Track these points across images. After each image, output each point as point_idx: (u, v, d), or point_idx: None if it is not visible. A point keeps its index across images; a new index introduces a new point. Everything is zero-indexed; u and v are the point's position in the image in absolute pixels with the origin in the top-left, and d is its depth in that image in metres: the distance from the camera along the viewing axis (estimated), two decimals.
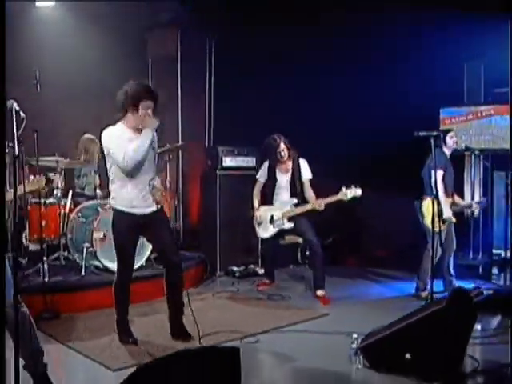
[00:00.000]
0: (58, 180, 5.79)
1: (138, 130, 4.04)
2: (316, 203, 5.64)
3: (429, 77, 6.88)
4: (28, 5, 6.91)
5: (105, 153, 4.09)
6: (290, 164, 5.93)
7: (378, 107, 6.94)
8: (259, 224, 6.02)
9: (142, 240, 5.80)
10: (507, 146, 7.09)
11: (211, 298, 5.83)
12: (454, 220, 5.71)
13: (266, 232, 5.97)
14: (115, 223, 4.20)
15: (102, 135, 4.06)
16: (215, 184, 6.99)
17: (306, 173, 5.91)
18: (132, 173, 4.01)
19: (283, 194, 5.94)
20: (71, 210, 6.01)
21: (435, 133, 4.66)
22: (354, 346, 3.77)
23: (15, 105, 2.93)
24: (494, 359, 3.95)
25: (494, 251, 7.24)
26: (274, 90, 7.31)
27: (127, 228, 4.12)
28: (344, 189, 5.44)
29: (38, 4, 6.97)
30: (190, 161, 7.88)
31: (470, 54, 7.27)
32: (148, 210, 4.14)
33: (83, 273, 5.57)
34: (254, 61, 7.34)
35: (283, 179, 5.97)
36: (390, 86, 6.89)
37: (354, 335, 3.80)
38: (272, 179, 6.01)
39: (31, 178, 3.58)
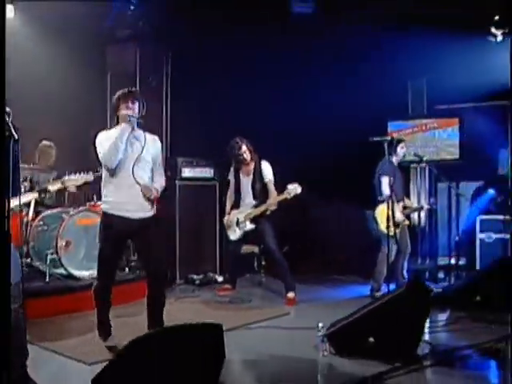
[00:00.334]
0: (22, 187, 5.81)
1: (126, 131, 4.05)
2: (268, 204, 5.86)
3: (376, 92, 7.31)
4: None
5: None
6: (251, 166, 6.09)
7: (328, 120, 7.23)
8: (229, 227, 6.18)
9: None
10: (449, 157, 7.64)
11: (174, 303, 5.93)
12: (407, 222, 6.07)
13: (233, 235, 6.14)
14: (103, 227, 4.13)
15: (97, 139, 4.11)
16: (174, 194, 7.14)
17: (268, 175, 6.04)
18: (113, 172, 4.00)
19: (247, 197, 6.11)
20: (33, 219, 6.03)
21: (389, 138, 5.01)
22: (320, 333, 3.99)
23: None
24: (446, 344, 4.38)
25: (441, 258, 7.68)
26: (230, 102, 7.56)
27: (114, 232, 4.03)
28: (289, 187, 5.66)
29: None
30: None
31: (413, 71, 7.79)
32: (138, 215, 4.03)
33: (47, 279, 5.59)
34: (211, 73, 7.57)
35: (245, 182, 6.14)
36: (339, 100, 7.27)
37: (320, 324, 4.02)
38: (236, 182, 6.19)
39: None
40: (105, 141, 4.02)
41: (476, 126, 7.58)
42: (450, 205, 8.14)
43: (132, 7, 7.40)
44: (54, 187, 4.33)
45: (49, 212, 6.05)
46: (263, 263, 7.76)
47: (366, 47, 7.17)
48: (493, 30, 6.89)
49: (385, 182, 5.97)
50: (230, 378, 3.47)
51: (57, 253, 5.66)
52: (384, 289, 5.83)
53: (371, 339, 3.77)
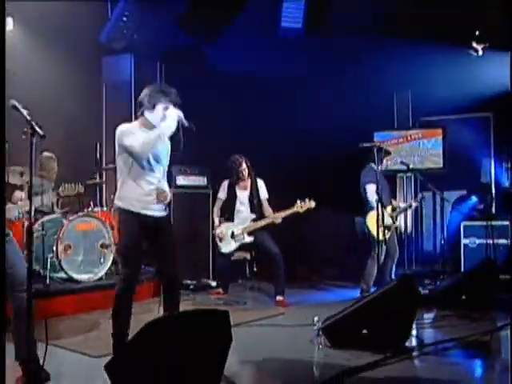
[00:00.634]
0: (23, 194, 5.96)
1: (151, 128, 3.97)
2: (274, 217, 6.13)
3: (363, 103, 7.61)
4: None
5: (116, 151, 3.98)
6: (248, 182, 6.39)
7: (316, 131, 7.49)
8: (221, 239, 6.36)
9: (104, 252, 6.18)
10: (433, 166, 7.94)
11: None
12: (396, 224, 6.33)
13: (228, 247, 6.32)
14: (124, 225, 3.95)
15: (117, 131, 3.93)
16: (169, 202, 7.31)
17: (263, 192, 6.40)
18: (145, 165, 3.89)
19: (243, 210, 6.34)
20: (32, 224, 6.17)
21: (378, 143, 5.29)
22: (316, 327, 4.22)
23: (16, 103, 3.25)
24: (433, 337, 4.66)
25: (427, 264, 7.95)
26: (223, 111, 7.80)
27: (138, 229, 3.89)
28: (299, 202, 5.96)
29: None
30: None
31: (398, 84, 8.11)
32: (158, 214, 4.01)
33: (48, 282, 5.74)
34: (204, 82, 7.79)
35: (243, 196, 6.39)
36: (326, 112, 7.56)
37: (315, 318, 4.25)
38: (232, 196, 6.42)
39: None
40: (131, 134, 3.87)
41: (459, 136, 7.90)
42: (434, 212, 8.44)
43: (125, 19, 7.61)
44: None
45: (47, 217, 6.20)
46: (255, 269, 7.98)
47: (352, 61, 7.47)
48: (474, 44, 7.23)
49: (370, 189, 6.25)
50: (231, 372, 3.61)
51: (57, 257, 5.82)
52: (373, 291, 6.06)
53: (364, 331, 3.99)
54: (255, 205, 6.30)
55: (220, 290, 6.71)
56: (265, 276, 7.51)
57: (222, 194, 6.53)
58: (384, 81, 7.75)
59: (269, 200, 6.45)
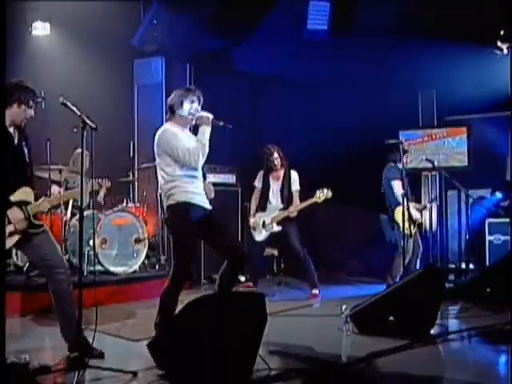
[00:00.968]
0: (61, 190, 6.25)
1: (185, 127, 4.23)
2: (293, 208, 6.31)
3: (389, 103, 7.75)
4: (24, 33, 7.51)
5: (156, 152, 4.14)
6: (281, 172, 6.54)
7: (343, 132, 7.70)
8: (254, 229, 6.56)
9: (138, 246, 6.44)
10: (458, 164, 8.03)
11: None
12: (420, 220, 6.46)
13: (260, 236, 6.52)
14: (178, 218, 4.10)
15: (157, 136, 4.13)
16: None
17: (295, 184, 6.51)
18: (193, 170, 4.11)
19: (274, 200, 6.53)
20: (70, 219, 6.47)
21: (404, 140, 5.45)
22: (344, 315, 4.39)
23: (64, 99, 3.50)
24: (458, 327, 4.82)
25: (451, 262, 8.04)
26: (251, 110, 8.01)
27: (193, 220, 4.07)
28: (318, 192, 6.15)
29: (34, 33, 7.56)
30: None
31: (423, 83, 8.22)
32: (208, 206, 4.21)
33: (85, 274, 5.99)
34: (232, 82, 8.01)
35: (274, 186, 6.56)
36: (354, 111, 7.72)
37: (344, 306, 4.43)
38: (265, 186, 6.60)
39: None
40: (173, 138, 4.06)
41: (484, 134, 7.98)
42: (459, 211, 8.52)
43: (156, 22, 7.86)
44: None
45: (85, 213, 6.47)
46: (282, 265, 8.19)
47: (377, 61, 7.61)
48: (499, 43, 7.31)
49: (397, 185, 6.37)
50: (264, 353, 3.80)
51: (94, 250, 6.08)
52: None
53: (391, 318, 4.16)
54: (285, 195, 6.46)
55: (250, 283, 6.90)
56: (292, 272, 7.72)
57: (258, 183, 6.69)
58: (409, 80, 7.86)
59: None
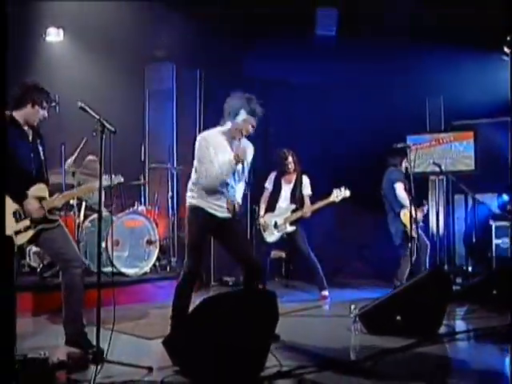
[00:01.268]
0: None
1: (233, 138, 4.19)
2: (303, 211, 6.42)
3: (396, 108, 7.84)
4: (38, 40, 7.66)
5: (195, 154, 4.19)
6: (293, 176, 6.66)
7: (353, 134, 7.81)
8: (264, 229, 6.63)
9: (149, 247, 6.55)
10: (465, 168, 8.11)
11: None
12: (421, 224, 6.63)
13: (271, 237, 6.58)
14: (194, 220, 4.17)
15: (197, 139, 4.18)
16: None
17: (307, 189, 6.62)
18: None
19: (285, 202, 6.62)
20: (83, 221, 6.59)
21: (411, 144, 5.57)
22: (352, 314, 4.49)
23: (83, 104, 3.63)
24: (465, 327, 4.91)
25: (458, 266, 8.12)
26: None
27: (206, 226, 4.15)
28: (335, 191, 6.22)
29: (47, 39, 7.71)
30: (183, 182, 8.53)
31: (431, 88, 8.31)
32: (225, 215, 4.18)
33: None
34: (244, 87, 8.11)
35: (286, 189, 6.67)
36: (363, 116, 7.81)
37: (352, 306, 4.53)
38: (276, 188, 6.70)
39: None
40: (205, 149, 4.08)
41: (491, 139, 8.05)
42: (466, 215, 8.59)
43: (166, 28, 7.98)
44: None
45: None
46: (291, 268, 8.28)
47: (386, 66, 7.71)
48: (506, 49, 7.40)
49: (400, 187, 6.52)
50: (274, 351, 3.89)
51: (107, 251, 6.19)
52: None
53: (398, 318, 4.25)
54: (297, 198, 6.56)
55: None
56: (300, 275, 7.81)
57: (269, 184, 6.78)
58: (417, 86, 7.96)
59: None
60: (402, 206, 6.47)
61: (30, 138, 3.94)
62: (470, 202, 8.32)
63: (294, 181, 6.64)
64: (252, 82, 8.16)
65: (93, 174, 7.05)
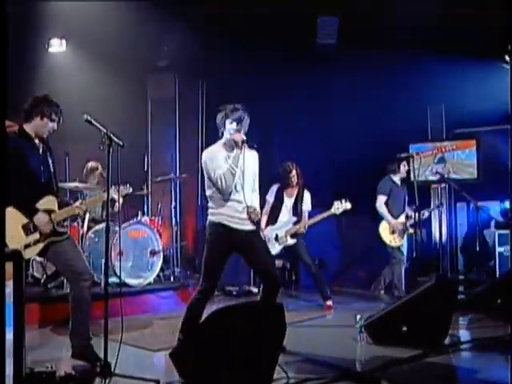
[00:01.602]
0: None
1: (232, 147, 4.18)
2: (296, 227, 6.47)
3: (399, 117, 7.86)
4: (41, 50, 7.70)
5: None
6: (295, 190, 6.68)
7: (355, 142, 7.82)
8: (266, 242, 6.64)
9: (153, 258, 6.55)
10: (468, 176, 8.13)
11: None
12: (411, 231, 6.72)
13: (273, 249, 6.51)
14: (213, 236, 4.16)
15: (202, 157, 4.22)
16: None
17: (306, 205, 6.65)
18: (232, 191, 4.11)
19: (286, 215, 6.64)
20: (86, 232, 6.58)
21: (414, 153, 5.63)
22: (358, 325, 4.48)
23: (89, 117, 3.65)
24: (470, 337, 4.89)
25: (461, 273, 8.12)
26: (261, 123, 8.12)
27: (226, 242, 4.12)
28: (336, 204, 6.24)
29: (50, 50, 7.75)
30: (185, 191, 8.57)
31: (432, 97, 8.34)
32: (246, 228, 4.15)
33: (102, 285, 6.10)
34: (243, 101, 8.14)
35: (288, 202, 6.68)
36: (366, 125, 7.83)
37: (358, 316, 4.53)
38: (279, 201, 6.70)
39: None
40: (210, 163, 4.10)
41: (493, 147, 8.07)
42: (468, 222, 8.59)
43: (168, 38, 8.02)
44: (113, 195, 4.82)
45: (101, 225, 6.59)
46: (293, 278, 8.27)
47: (387, 75, 7.74)
48: (506, 57, 7.43)
49: (380, 200, 6.75)
50: (281, 362, 3.88)
51: (110, 262, 6.18)
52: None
53: (404, 328, 4.25)
54: (298, 212, 6.59)
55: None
56: (304, 284, 7.81)
57: (271, 197, 6.78)
58: (418, 95, 7.99)
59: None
60: (382, 218, 6.74)
61: (41, 150, 3.96)
62: (472, 209, 8.29)
63: (295, 194, 6.67)
64: (254, 92, 8.20)
65: (94, 182, 7.06)
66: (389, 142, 7.45)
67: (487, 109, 7.75)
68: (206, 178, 4.19)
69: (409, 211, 6.90)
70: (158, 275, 6.60)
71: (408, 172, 6.82)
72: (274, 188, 6.79)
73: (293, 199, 6.67)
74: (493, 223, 7.94)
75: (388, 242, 6.66)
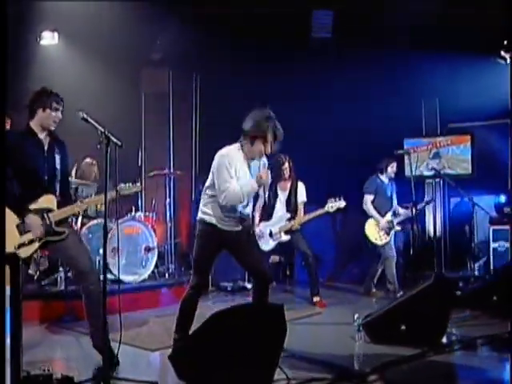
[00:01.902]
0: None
1: (251, 158, 4.15)
2: (290, 224, 6.43)
3: (393, 111, 7.82)
4: (33, 42, 7.58)
5: (212, 169, 4.14)
6: (289, 183, 6.61)
7: (349, 137, 7.79)
8: (259, 238, 6.52)
9: (147, 254, 6.49)
10: (462, 172, 8.13)
11: (211, 307, 6.33)
12: (397, 229, 6.77)
13: (267, 245, 6.54)
14: (204, 235, 4.14)
15: (217, 155, 4.10)
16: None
17: (302, 196, 6.58)
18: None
19: (280, 209, 6.59)
20: (80, 228, 6.51)
21: (411, 151, 5.61)
22: (356, 324, 4.46)
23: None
24: (468, 335, 4.81)
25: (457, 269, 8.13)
26: None
27: (216, 241, 4.12)
28: (329, 202, 6.21)
29: (42, 42, 7.63)
30: (179, 187, 8.50)
31: (426, 92, 8.31)
32: (236, 228, 4.14)
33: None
34: (237, 96, 8.07)
35: (282, 196, 6.63)
36: (360, 119, 7.78)
37: (356, 315, 4.51)
38: (273, 195, 6.63)
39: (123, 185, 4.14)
40: (224, 167, 3.99)
41: (487, 142, 8.07)
42: (463, 217, 8.58)
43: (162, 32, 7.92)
44: (112, 194, 4.74)
45: (94, 222, 6.52)
46: (288, 273, 8.26)
47: (382, 70, 7.70)
48: (502, 53, 7.41)
49: (367, 199, 6.82)
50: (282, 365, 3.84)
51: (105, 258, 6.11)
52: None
53: (403, 327, 4.23)
54: (292, 206, 6.53)
55: None
56: (297, 279, 7.80)
57: (262, 193, 6.74)
58: (412, 89, 7.95)
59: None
60: (369, 217, 6.81)
61: (46, 146, 3.89)
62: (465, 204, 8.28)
63: (289, 188, 6.60)
64: (249, 88, 8.13)
65: (88, 182, 6.98)
66: (382, 136, 7.42)
67: (482, 103, 7.73)
68: (215, 179, 4.05)
69: (398, 208, 6.91)
70: (152, 272, 6.55)
71: (396, 174, 6.90)
72: None
73: (286, 192, 6.61)
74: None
75: (374, 240, 6.70)
